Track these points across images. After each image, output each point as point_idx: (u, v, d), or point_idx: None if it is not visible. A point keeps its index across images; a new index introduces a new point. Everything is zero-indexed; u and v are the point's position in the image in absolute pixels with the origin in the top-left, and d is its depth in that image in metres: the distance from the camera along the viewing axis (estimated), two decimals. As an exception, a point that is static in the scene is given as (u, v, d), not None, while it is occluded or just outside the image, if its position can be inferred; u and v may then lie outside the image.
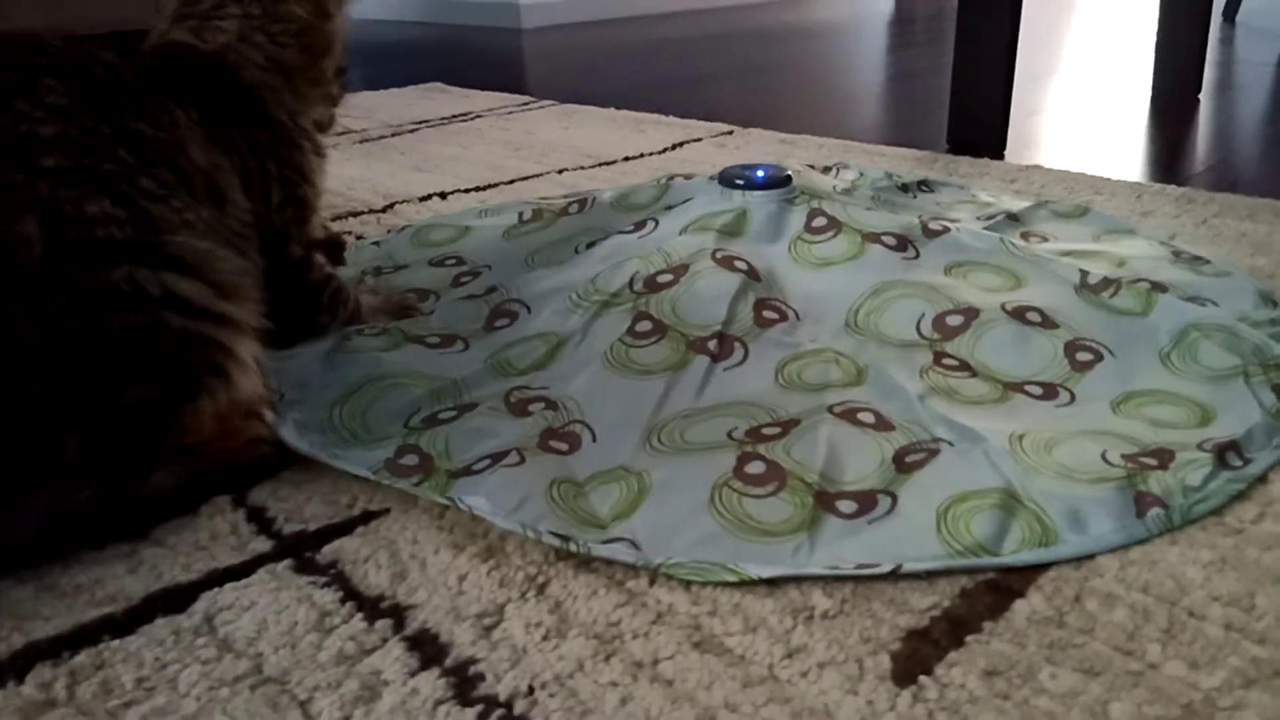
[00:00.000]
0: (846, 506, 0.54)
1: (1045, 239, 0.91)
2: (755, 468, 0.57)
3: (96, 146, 0.56)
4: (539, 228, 0.97)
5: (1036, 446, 0.58)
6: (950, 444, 0.58)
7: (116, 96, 0.60)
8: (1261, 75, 1.84)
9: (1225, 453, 0.57)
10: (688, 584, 0.49)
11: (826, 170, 1.15)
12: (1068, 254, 0.85)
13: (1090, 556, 0.50)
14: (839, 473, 0.56)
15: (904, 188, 1.07)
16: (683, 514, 0.54)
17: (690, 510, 0.54)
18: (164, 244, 0.55)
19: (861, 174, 1.13)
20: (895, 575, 0.49)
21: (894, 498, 0.54)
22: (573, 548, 0.51)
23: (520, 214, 1.01)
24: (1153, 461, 0.56)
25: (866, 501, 0.54)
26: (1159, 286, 0.76)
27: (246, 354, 0.57)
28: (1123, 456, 0.56)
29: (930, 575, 0.49)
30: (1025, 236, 0.92)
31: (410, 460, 0.59)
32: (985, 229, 0.89)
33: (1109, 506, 0.52)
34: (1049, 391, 0.65)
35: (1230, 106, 1.58)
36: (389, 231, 1.04)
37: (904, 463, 0.57)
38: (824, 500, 0.54)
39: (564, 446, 0.60)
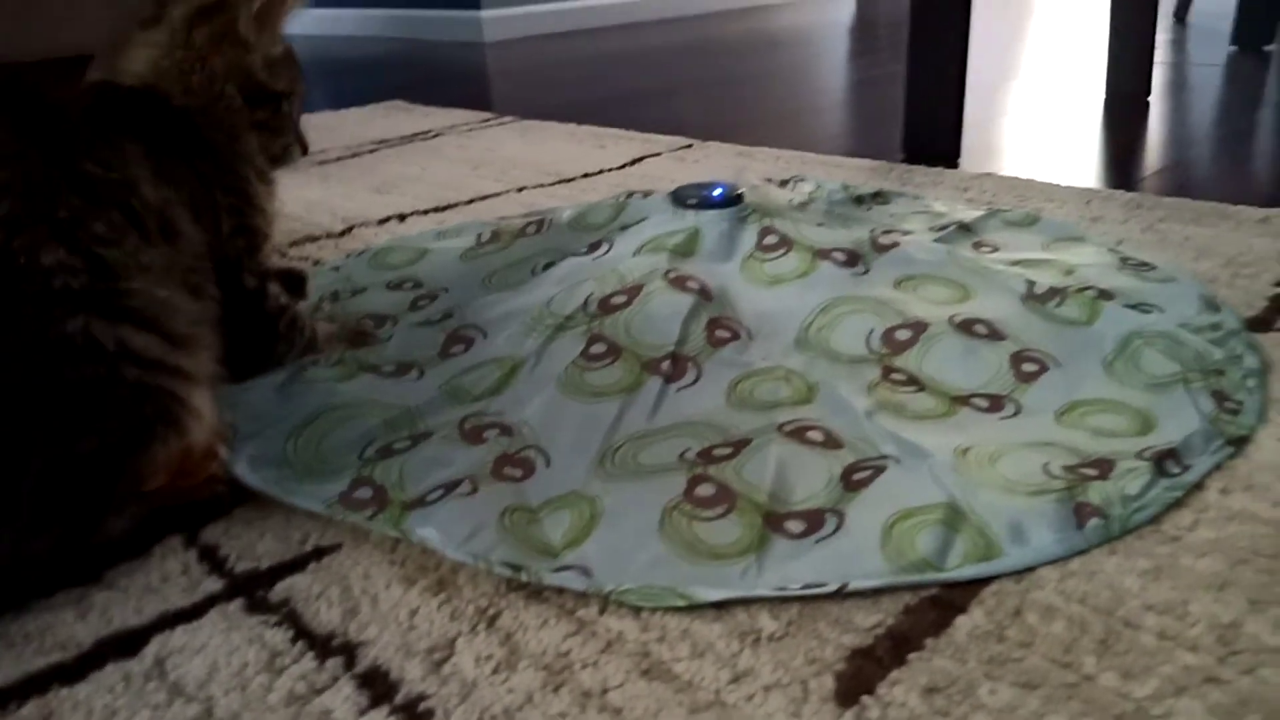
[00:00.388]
0: (795, 526, 0.54)
1: (996, 249, 0.93)
2: (705, 490, 0.58)
3: (49, 191, 0.56)
4: (497, 249, 0.97)
5: (981, 459, 0.59)
6: (897, 460, 0.59)
7: (65, 136, 0.60)
8: (1211, 76, 1.87)
9: (1164, 461, 0.58)
10: (638, 610, 0.49)
11: (784, 184, 1.16)
12: (1017, 263, 0.86)
13: (1031, 569, 0.51)
14: (788, 492, 0.57)
15: (859, 200, 1.09)
16: (634, 539, 0.54)
17: (641, 535, 0.54)
18: (121, 293, 0.55)
19: (818, 186, 1.14)
20: (841, 594, 0.49)
21: (841, 516, 0.55)
22: (524, 577, 0.51)
23: (479, 235, 1.01)
24: (1093, 472, 0.57)
25: (814, 521, 0.55)
26: (1105, 294, 0.77)
27: (200, 403, 0.57)
28: (1064, 467, 0.57)
29: (876, 593, 0.49)
30: (977, 246, 0.93)
31: (364, 493, 0.59)
32: (936, 240, 0.90)
33: (1049, 518, 0.53)
34: (995, 404, 0.66)
35: (1181, 108, 1.61)
36: (347, 256, 1.04)
37: (851, 480, 0.58)
38: (772, 521, 0.55)
39: (518, 473, 0.61)
